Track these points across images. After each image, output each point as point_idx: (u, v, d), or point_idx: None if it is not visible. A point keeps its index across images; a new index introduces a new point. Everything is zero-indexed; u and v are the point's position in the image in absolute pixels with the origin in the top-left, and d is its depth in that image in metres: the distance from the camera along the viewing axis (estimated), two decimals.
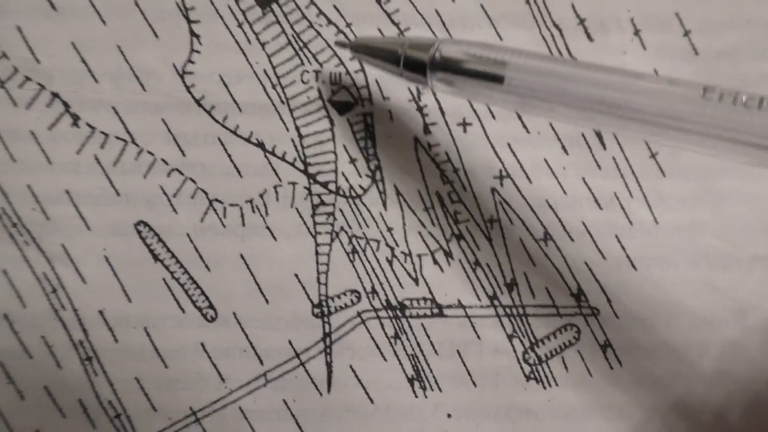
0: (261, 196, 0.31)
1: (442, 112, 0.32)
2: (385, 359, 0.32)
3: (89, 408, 0.31)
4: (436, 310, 0.32)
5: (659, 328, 0.32)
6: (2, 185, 0.31)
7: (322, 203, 0.32)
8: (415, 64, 0.26)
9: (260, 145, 0.31)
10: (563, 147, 0.32)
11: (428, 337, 0.32)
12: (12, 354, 0.31)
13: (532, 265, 0.32)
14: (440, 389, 0.32)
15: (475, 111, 0.32)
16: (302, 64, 0.31)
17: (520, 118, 0.32)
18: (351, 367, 0.32)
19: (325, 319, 0.32)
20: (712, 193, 0.32)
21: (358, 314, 0.32)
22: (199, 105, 0.31)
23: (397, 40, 0.28)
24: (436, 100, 0.32)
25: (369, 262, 0.32)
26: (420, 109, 0.32)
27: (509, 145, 0.32)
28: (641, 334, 0.32)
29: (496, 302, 0.32)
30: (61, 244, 0.31)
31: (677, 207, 0.32)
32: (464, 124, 0.32)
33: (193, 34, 0.31)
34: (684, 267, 0.32)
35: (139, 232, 0.31)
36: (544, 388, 0.32)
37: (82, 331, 0.31)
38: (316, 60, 0.31)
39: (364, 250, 0.32)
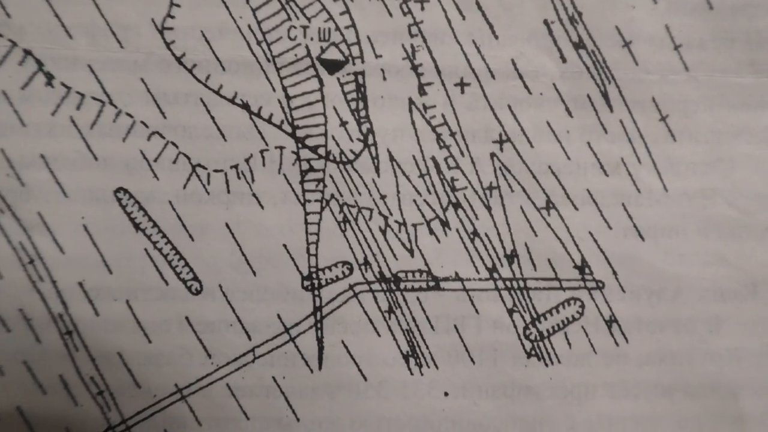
0: (246, 161, 0.29)
1: (439, 72, 0.29)
2: (378, 334, 0.29)
3: (70, 384, 0.28)
4: (432, 283, 0.29)
5: (667, 303, 0.29)
6: None
7: (312, 169, 0.29)
8: None
9: (245, 106, 0.28)
10: (567, 109, 0.29)
11: (424, 311, 0.29)
12: None
13: (533, 235, 0.29)
14: (436, 366, 0.29)
15: (473, 70, 0.29)
16: (289, 18, 0.28)
17: (521, 78, 0.29)
18: (343, 342, 0.29)
19: (316, 292, 0.29)
20: (724, 159, 0.29)
21: (350, 287, 0.29)
22: (180, 63, 0.28)
23: None
24: (432, 58, 0.29)
25: (361, 231, 0.29)
26: (415, 68, 0.29)
27: (510, 107, 0.29)
28: (648, 309, 0.29)
29: (495, 275, 0.29)
30: (38, 212, 0.28)
31: (687, 173, 0.29)
32: (462, 84, 0.29)
33: None
34: (694, 237, 0.29)
35: (118, 200, 0.28)
36: (546, 365, 0.29)
37: (61, 303, 0.28)
38: (304, 15, 0.28)
39: (356, 219, 0.29)
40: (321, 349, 0.29)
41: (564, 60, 0.29)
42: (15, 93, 0.28)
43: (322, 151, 0.29)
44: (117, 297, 0.28)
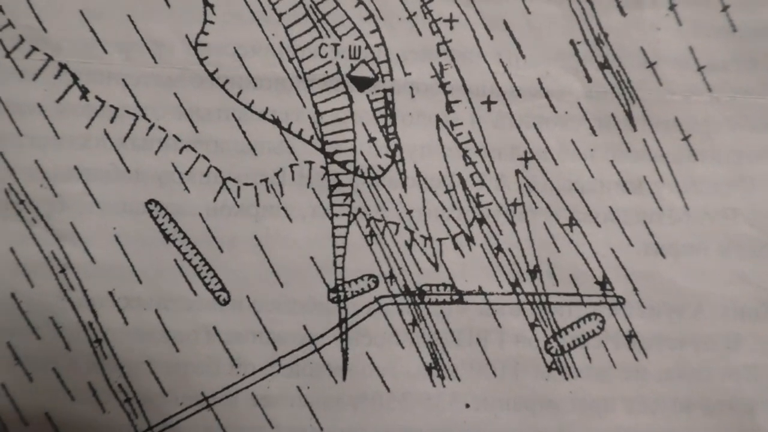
0: (276, 175, 0.29)
1: (466, 90, 0.29)
2: (402, 346, 0.29)
3: (99, 391, 0.28)
4: (456, 297, 0.29)
5: (687, 319, 0.29)
6: (9, 160, 0.28)
7: (340, 183, 0.29)
8: None
9: (276, 121, 0.29)
10: (591, 128, 0.29)
11: (447, 324, 0.29)
12: (19, 334, 0.28)
13: (556, 251, 0.29)
14: (459, 378, 0.29)
15: (500, 88, 0.29)
16: (320, 36, 0.28)
17: (547, 97, 0.29)
18: (367, 354, 0.29)
19: (342, 305, 0.29)
20: (746, 179, 0.29)
21: (376, 300, 0.29)
22: (213, 78, 0.28)
23: None
24: (460, 77, 0.29)
25: (387, 245, 0.29)
26: (443, 85, 0.29)
27: (535, 125, 0.29)
28: (668, 325, 0.29)
29: (518, 289, 0.29)
30: (70, 222, 0.28)
31: (709, 192, 0.29)
32: (489, 103, 0.29)
33: (206, 3, 0.28)
34: (714, 255, 0.29)
35: (150, 211, 0.29)
36: (566, 378, 0.29)
37: (91, 312, 0.28)
38: (335, 32, 0.28)
39: (382, 233, 0.29)
40: (345, 360, 0.29)
41: (589, 80, 0.29)
42: (50, 106, 0.28)
43: (350, 166, 0.29)
44: (146, 306, 0.28)
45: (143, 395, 0.28)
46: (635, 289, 0.29)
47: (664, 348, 0.29)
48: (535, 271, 0.29)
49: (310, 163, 0.29)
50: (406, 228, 0.29)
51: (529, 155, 0.29)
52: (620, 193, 0.29)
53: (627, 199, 0.29)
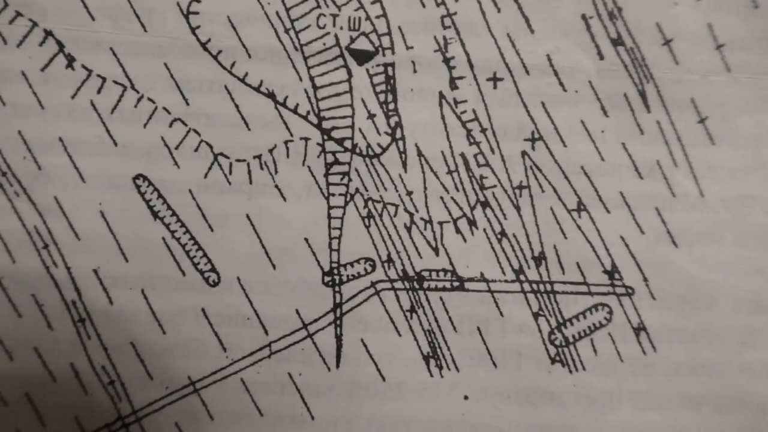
0: (270, 151, 0.27)
1: (471, 65, 0.28)
2: (399, 334, 0.28)
3: (81, 373, 0.27)
4: (456, 283, 0.28)
5: (699, 312, 0.28)
6: None
7: (337, 162, 0.28)
8: None
9: (271, 95, 0.27)
10: (602, 108, 0.28)
11: (447, 312, 0.28)
12: (0, 312, 0.27)
13: (562, 237, 0.28)
14: (457, 369, 0.28)
15: (507, 65, 0.27)
16: (318, 6, 0.27)
17: (556, 74, 0.28)
18: (362, 341, 0.28)
19: (336, 289, 0.28)
20: (765, 165, 0.28)
21: (372, 284, 0.28)
22: (205, 49, 0.27)
23: None
24: (465, 51, 0.27)
25: (385, 228, 0.28)
26: (447, 60, 0.28)
27: (543, 104, 0.28)
28: (679, 318, 0.28)
29: (522, 277, 0.28)
30: (54, 196, 0.27)
31: (725, 178, 0.28)
32: (495, 79, 0.28)
33: None
34: (730, 245, 0.28)
35: (137, 187, 0.27)
36: (570, 371, 0.28)
37: (75, 290, 0.27)
38: (334, 2, 0.27)
39: (380, 215, 0.28)
40: (339, 346, 0.28)
41: (601, 57, 0.28)
42: (34, 74, 0.27)
43: (348, 143, 0.28)
44: (132, 286, 0.27)
45: (127, 378, 0.27)
46: (645, 280, 0.28)
47: (674, 342, 0.28)
48: (540, 258, 0.28)
49: (306, 139, 0.27)
50: (406, 210, 0.28)
51: (536, 136, 0.28)
52: (631, 178, 0.28)
53: (638, 183, 0.28)
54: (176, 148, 0.27)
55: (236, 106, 0.27)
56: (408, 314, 0.28)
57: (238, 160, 0.27)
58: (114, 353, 0.27)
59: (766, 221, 0.28)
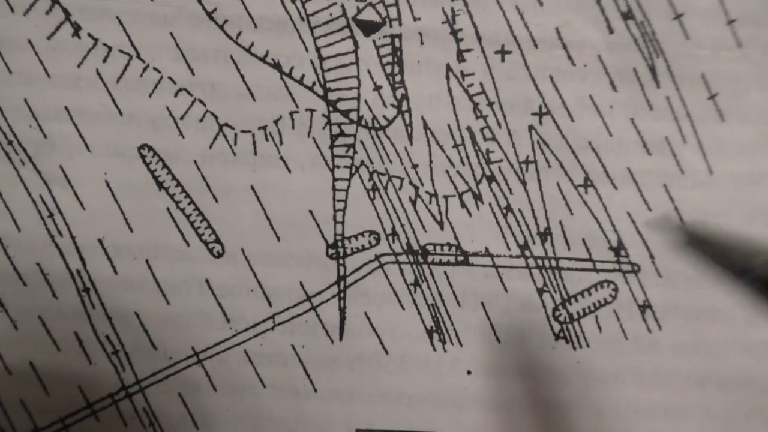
0: (275, 122, 0.27)
1: (479, 38, 0.27)
2: (403, 308, 0.28)
3: (85, 342, 0.27)
4: (460, 258, 0.28)
5: (705, 290, 0.27)
6: None
7: (342, 134, 0.27)
8: None
9: (276, 65, 0.27)
10: (611, 82, 0.27)
11: (451, 286, 0.28)
12: (5, 280, 0.27)
13: (569, 213, 0.28)
14: (461, 343, 0.28)
15: (515, 37, 0.27)
16: None
17: (565, 48, 0.27)
18: (366, 314, 0.27)
19: (341, 261, 0.27)
20: None
21: (376, 257, 0.28)
22: (211, 18, 0.27)
23: (752, 248, 0.19)
24: (473, 23, 0.27)
25: (390, 201, 0.28)
26: (454, 32, 0.27)
27: (551, 77, 0.27)
28: (685, 296, 0.27)
29: (527, 252, 0.28)
30: (59, 165, 0.27)
31: (735, 155, 0.27)
32: (503, 52, 0.27)
33: None
34: (738, 223, 0.27)
35: (142, 156, 0.27)
36: (574, 348, 0.28)
37: (79, 259, 0.27)
38: None
39: (385, 188, 0.28)
40: (343, 319, 0.28)
41: (611, 31, 0.27)
42: (41, 43, 0.27)
43: (353, 115, 0.27)
44: (137, 256, 0.27)
45: (131, 348, 0.28)
46: (651, 257, 0.28)
47: (679, 320, 0.28)
48: (545, 234, 0.28)
49: (312, 111, 0.27)
50: (411, 183, 0.27)
51: (543, 110, 0.27)
52: (639, 154, 0.27)
53: (647, 160, 0.27)
54: (181, 118, 0.27)
55: (242, 76, 0.27)
56: (412, 288, 0.28)
57: (243, 131, 0.27)
58: (118, 323, 0.27)
59: None
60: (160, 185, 0.27)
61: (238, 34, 0.27)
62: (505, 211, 0.28)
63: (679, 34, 0.27)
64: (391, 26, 0.27)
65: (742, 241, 0.20)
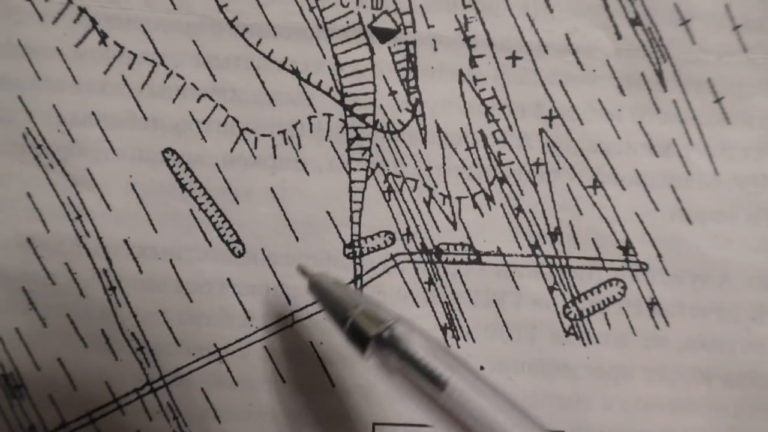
0: (294, 126, 0.28)
1: (491, 44, 0.28)
2: (417, 305, 0.28)
3: (112, 339, 0.28)
4: (473, 257, 0.28)
5: (712, 288, 0.28)
6: (27, 104, 0.27)
7: (358, 137, 0.28)
8: (360, 335, 0.23)
9: (295, 72, 0.28)
10: (620, 87, 0.28)
11: (464, 284, 0.28)
12: (35, 279, 0.28)
13: (578, 213, 0.28)
14: (474, 340, 0.29)
15: (526, 44, 0.28)
16: None
17: (575, 53, 0.28)
18: None
19: (357, 261, 0.28)
20: None
21: (392, 257, 0.28)
22: (232, 26, 0.28)
23: (353, 299, 0.23)
24: (485, 30, 0.28)
25: (405, 202, 0.28)
26: (467, 39, 0.28)
27: (561, 82, 0.28)
28: (692, 294, 0.28)
29: (537, 251, 0.28)
30: (87, 168, 0.28)
31: (740, 157, 0.28)
32: (514, 58, 0.28)
33: None
34: (743, 223, 0.28)
35: (166, 160, 0.28)
36: (584, 344, 0.28)
37: (106, 259, 0.28)
38: None
39: (400, 190, 0.28)
40: None
41: (619, 36, 0.28)
42: (69, 50, 0.28)
43: (369, 119, 0.28)
44: (161, 256, 0.28)
45: (156, 344, 0.28)
46: (659, 255, 0.28)
47: (686, 317, 0.28)
48: (555, 234, 0.28)
49: (329, 115, 0.28)
50: (425, 185, 0.28)
51: (553, 114, 0.28)
52: (647, 156, 0.28)
53: (654, 161, 0.28)
54: (204, 122, 0.28)
55: (262, 82, 0.28)
56: (426, 286, 0.28)
57: (263, 135, 0.28)
58: (143, 320, 0.28)
59: None
60: (183, 188, 0.28)
61: (259, 42, 0.28)
62: (516, 212, 0.28)
63: (685, 39, 0.28)
64: (405, 33, 0.28)
65: (349, 293, 0.24)
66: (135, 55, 0.28)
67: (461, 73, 0.28)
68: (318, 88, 0.28)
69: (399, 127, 0.28)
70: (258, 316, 0.28)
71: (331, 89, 0.28)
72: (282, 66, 0.28)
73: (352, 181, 0.28)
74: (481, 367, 0.28)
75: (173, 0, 0.28)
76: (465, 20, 0.28)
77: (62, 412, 0.28)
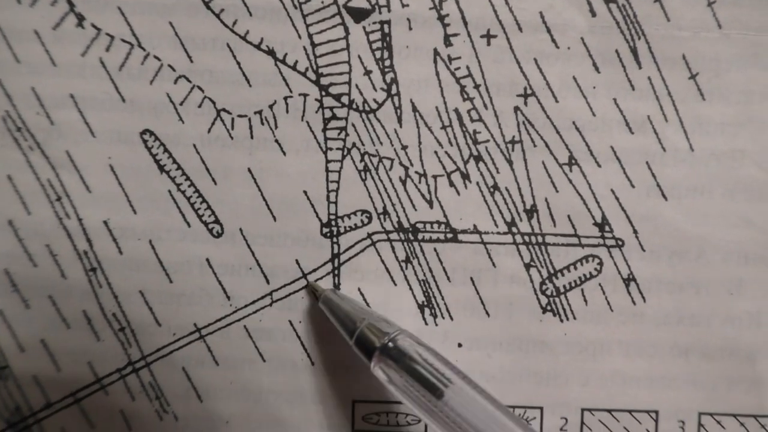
0: (270, 107, 0.28)
1: (465, 23, 0.28)
2: (395, 283, 0.29)
3: (93, 319, 0.28)
4: (450, 235, 0.29)
5: (688, 263, 0.28)
6: (6, 87, 0.28)
7: (334, 117, 0.28)
8: (366, 345, 0.25)
9: (271, 52, 0.28)
10: (594, 64, 0.28)
11: (441, 262, 0.28)
12: (16, 261, 0.28)
13: (554, 190, 0.28)
14: (451, 317, 0.29)
15: (500, 22, 0.28)
16: None
17: (549, 31, 0.28)
18: (359, 290, 0.28)
19: (334, 240, 0.28)
20: (755, 120, 0.28)
21: (369, 236, 0.28)
22: (208, 7, 0.28)
23: (360, 313, 0.26)
24: (459, 9, 0.28)
25: (381, 181, 0.28)
26: (441, 18, 0.28)
27: (536, 60, 0.28)
28: (668, 269, 0.28)
29: (514, 229, 0.29)
30: (66, 150, 0.28)
31: (715, 133, 0.28)
32: (488, 36, 0.28)
33: None
34: (719, 198, 0.28)
35: (144, 141, 0.28)
36: (561, 321, 0.29)
37: (86, 241, 0.28)
38: None
39: (376, 169, 0.28)
40: None
41: (593, 14, 0.28)
42: (47, 33, 0.28)
43: (345, 99, 0.28)
44: (140, 237, 0.28)
45: (137, 325, 0.29)
46: (635, 232, 0.28)
47: (663, 292, 0.28)
48: (531, 211, 0.28)
49: (305, 95, 0.28)
50: (401, 164, 0.28)
51: (528, 92, 0.28)
52: (622, 133, 0.28)
53: (629, 138, 0.28)
54: (181, 104, 0.28)
55: (238, 63, 0.28)
56: (403, 264, 0.29)
57: (239, 116, 0.28)
58: (124, 301, 0.29)
59: (755, 175, 0.28)
60: (161, 169, 0.28)
61: (234, 23, 0.28)
62: (492, 190, 0.28)
63: (660, 16, 0.28)
64: (380, 13, 0.28)
65: (356, 308, 0.27)
66: (112, 37, 0.28)
67: (436, 52, 0.28)
68: (293, 68, 0.28)
69: (374, 106, 0.28)
70: (237, 296, 0.29)
71: (307, 69, 0.28)
72: (257, 47, 0.28)
73: (328, 161, 0.28)
74: (459, 345, 0.29)
75: None
76: None
77: (47, 392, 0.29)
